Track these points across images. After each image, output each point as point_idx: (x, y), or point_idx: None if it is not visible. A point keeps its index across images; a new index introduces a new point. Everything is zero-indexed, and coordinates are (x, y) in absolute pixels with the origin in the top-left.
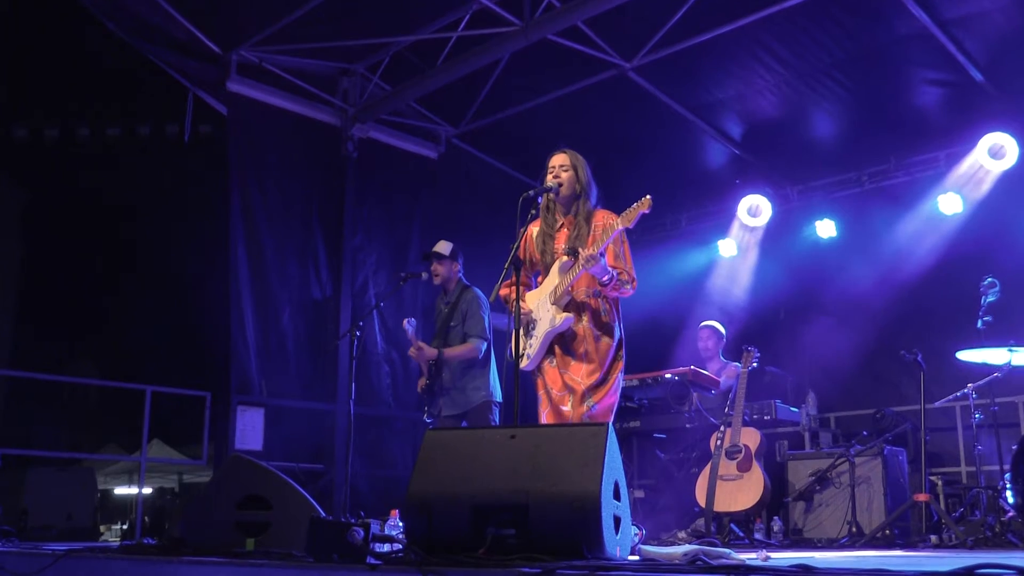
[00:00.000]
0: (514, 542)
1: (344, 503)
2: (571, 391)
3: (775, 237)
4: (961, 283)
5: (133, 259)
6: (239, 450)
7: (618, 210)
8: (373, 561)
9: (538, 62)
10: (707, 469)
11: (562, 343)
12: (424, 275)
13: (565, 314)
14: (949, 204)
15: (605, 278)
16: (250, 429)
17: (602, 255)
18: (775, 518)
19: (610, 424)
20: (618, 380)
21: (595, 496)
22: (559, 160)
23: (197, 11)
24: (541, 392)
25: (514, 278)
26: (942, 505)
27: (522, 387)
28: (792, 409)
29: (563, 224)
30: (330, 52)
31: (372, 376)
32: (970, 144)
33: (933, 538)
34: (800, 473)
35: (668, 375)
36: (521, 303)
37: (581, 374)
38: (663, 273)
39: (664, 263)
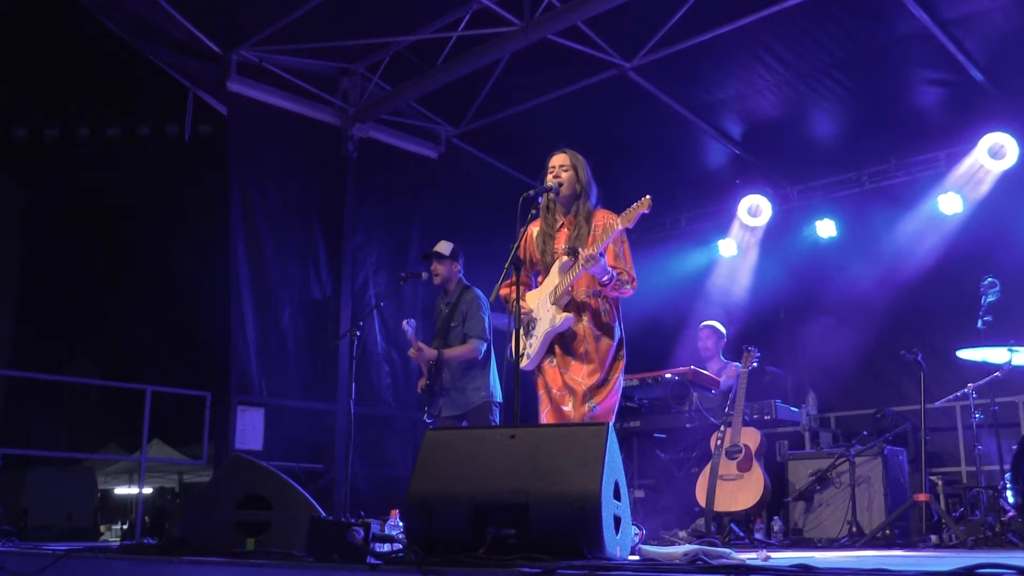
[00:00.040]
0: (514, 542)
1: (344, 503)
2: (571, 391)
3: (775, 237)
4: (961, 283)
5: (133, 259)
6: (239, 450)
7: (618, 210)
8: (373, 561)
9: (538, 62)
10: (707, 469)
11: (562, 343)
12: (424, 275)
13: (565, 314)
14: (949, 204)
15: (605, 278)
16: (250, 429)
17: (602, 255)
18: (775, 518)
19: (610, 424)
20: (619, 380)
21: (595, 496)
22: (559, 160)
23: (197, 11)
24: (541, 392)
25: (514, 278)
26: (942, 505)
27: (522, 387)
28: (792, 409)
29: (563, 224)
30: (330, 52)
31: (372, 376)
32: (970, 144)
33: (933, 538)
34: (800, 473)
35: (668, 375)
36: (521, 303)
37: (582, 374)
38: (663, 273)
39: (664, 263)
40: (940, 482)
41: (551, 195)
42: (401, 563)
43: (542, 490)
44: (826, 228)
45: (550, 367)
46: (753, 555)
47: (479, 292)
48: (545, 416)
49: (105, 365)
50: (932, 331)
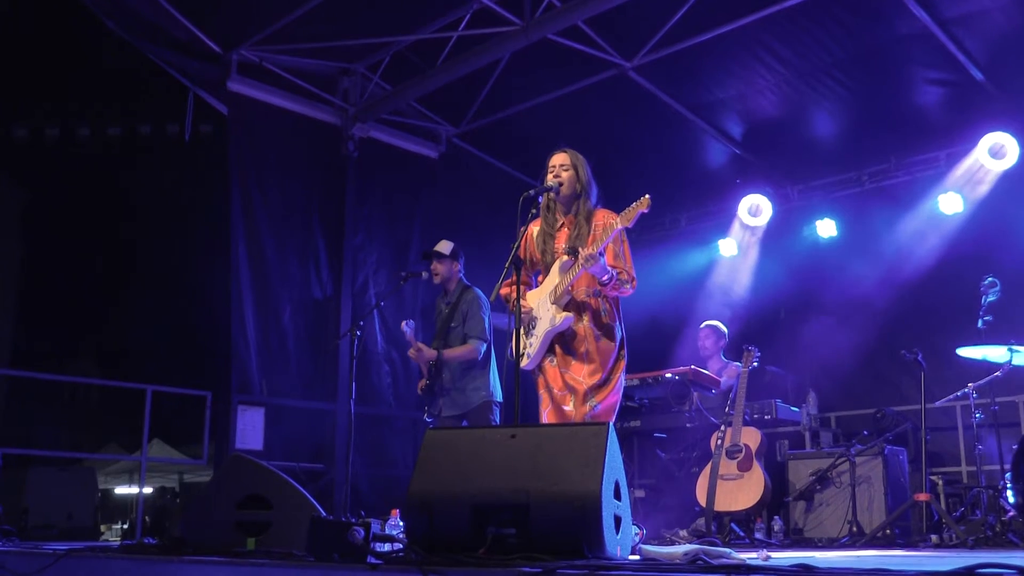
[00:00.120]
0: (514, 542)
1: (345, 502)
2: (572, 391)
3: (775, 237)
4: (961, 283)
5: (133, 259)
6: (240, 450)
7: (618, 209)
8: (374, 561)
9: (538, 62)
10: (708, 468)
11: (562, 342)
12: (424, 274)
13: (565, 313)
14: (949, 204)
15: (605, 277)
16: (251, 429)
17: (601, 254)
18: (776, 518)
19: (611, 424)
20: (620, 380)
21: (596, 496)
22: (559, 159)
23: (197, 10)
24: (542, 391)
25: (515, 277)
26: (943, 505)
27: (522, 387)
28: (793, 409)
29: (563, 223)
30: (330, 52)
31: (372, 375)
32: (970, 144)
33: (934, 538)
34: (801, 473)
35: (668, 375)
36: (522, 302)
37: (582, 374)
38: (663, 273)
39: (664, 263)
40: (940, 482)
41: (551, 194)
42: (401, 563)
43: (542, 490)
44: (826, 228)
45: (550, 367)
46: (753, 555)
47: (479, 292)
48: (546, 416)
49: (105, 365)
50: (932, 331)
